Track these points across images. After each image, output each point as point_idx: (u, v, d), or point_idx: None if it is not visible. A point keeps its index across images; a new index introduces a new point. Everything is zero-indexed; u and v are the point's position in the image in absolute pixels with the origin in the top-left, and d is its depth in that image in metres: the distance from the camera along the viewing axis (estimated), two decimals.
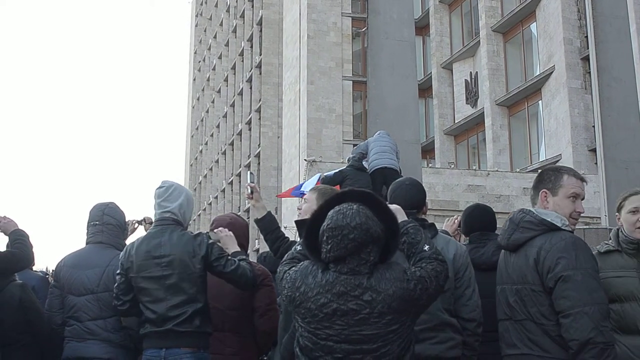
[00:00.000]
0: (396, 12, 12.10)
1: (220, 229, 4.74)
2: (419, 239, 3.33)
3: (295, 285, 3.17)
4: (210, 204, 65.30)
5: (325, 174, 12.80)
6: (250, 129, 54.15)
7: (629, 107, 13.26)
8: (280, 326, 4.16)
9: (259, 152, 50.83)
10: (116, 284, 4.44)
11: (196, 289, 4.30)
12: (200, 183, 71.49)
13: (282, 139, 44.71)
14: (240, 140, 56.53)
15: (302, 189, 14.05)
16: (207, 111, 70.34)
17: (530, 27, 33.22)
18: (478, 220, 4.97)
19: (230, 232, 4.73)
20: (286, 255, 3.46)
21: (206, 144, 70.08)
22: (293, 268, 3.28)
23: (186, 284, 4.27)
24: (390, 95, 11.82)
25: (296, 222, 4.57)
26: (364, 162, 11.16)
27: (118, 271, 4.45)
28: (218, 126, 65.02)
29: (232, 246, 4.67)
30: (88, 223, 4.91)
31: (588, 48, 29.03)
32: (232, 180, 57.89)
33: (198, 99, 76.53)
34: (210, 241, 4.41)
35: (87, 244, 4.91)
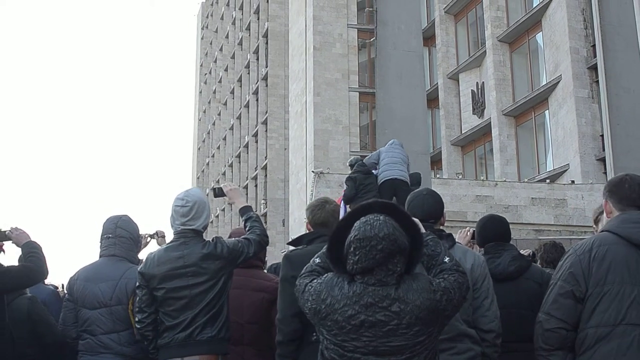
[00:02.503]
0: (404, 22, 12.12)
1: (226, 183, 4.92)
2: (438, 251, 3.33)
3: (321, 298, 3.14)
4: (217, 216, 65.32)
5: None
6: (256, 141, 54.22)
7: (638, 116, 13.20)
8: (282, 304, 4.17)
9: (266, 164, 50.88)
10: (138, 298, 4.44)
11: (219, 297, 4.33)
12: (207, 195, 71.37)
13: (289, 151, 44.74)
14: (247, 153, 56.61)
15: None
16: (214, 124, 70.50)
17: (536, 36, 33.22)
18: (493, 230, 4.95)
19: (236, 185, 4.82)
20: (304, 268, 3.43)
21: (213, 156, 70.21)
22: (316, 280, 3.26)
23: (211, 293, 4.30)
24: (398, 105, 11.82)
25: (290, 243, 4.59)
26: (373, 172, 11.18)
27: (138, 283, 4.45)
28: (225, 138, 65.14)
29: (238, 199, 4.82)
30: (101, 236, 4.90)
31: (595, 57, 29.11)
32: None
33: (204, 112, 76.72)
34: (228, 240, 4.48)
35: (100, 257, 4.90)
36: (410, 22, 12.28)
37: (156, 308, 4.40)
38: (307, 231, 4.48)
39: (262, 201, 50.72)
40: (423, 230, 3.45)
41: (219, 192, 4.92)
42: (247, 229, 4.66)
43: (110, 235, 4.86)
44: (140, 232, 5.24)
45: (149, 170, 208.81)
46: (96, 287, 4.71)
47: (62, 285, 7.84)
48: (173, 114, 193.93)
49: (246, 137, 56.86)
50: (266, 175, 51.18)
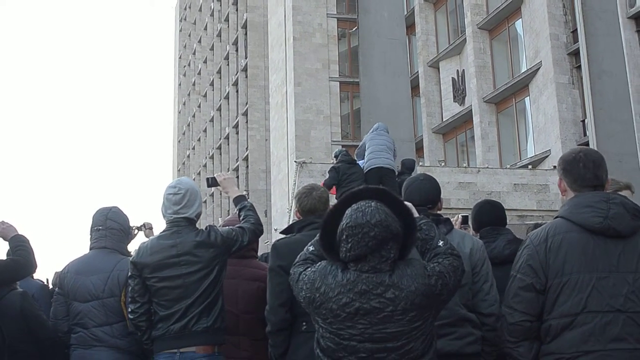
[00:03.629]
0: (387, 10, 12.11)
1: (219, 173, 4.88)
2: (432, 234, 3.30)
3: (315, 286, 3.12)
4: (205, 201, 65.19)
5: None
6: (237, 133, 54.05)
7: (620, 100, 13.30)
8: (270, 294, 4.15)
9: (247, 155, 50.76)
10: (130, 287, 4.38)
11: (213, 286, 4.28)
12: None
13: (270, 142, 44.63)
14: (228, 144, 56.43)
15: None
16: (194, 116, 70.22)
17: (516, 23, 33.24)
18: (488, 215, 4.95)
19: (230, 174, 4.79)
20: (299, 257, 3.40)
21: (193, 148, 69.98)
22: (309, 269, 3.23)
23: (205, 281, 4.25)
24: (382, 93, 11.83)
25: (282, 232, 4.56)
26: (360, 162, 11.13)
27: (130, 273, 4.38)
28: (205, 130, 64.91)
29: (232, 189, 4.80)
30: (91, 228, 4.84)
31: (575, 43, 29.29)
32: None
33: (184, 104, 76.39)
34: (222, 229, 4.44)
35: (90, 249, 4.83)
36: (393, 9, 12.28)
37: (149, 298, 4.33)
38: (297, 219, 4.44)
39: (244, 192, 50.59)
40: (416, 214, 3.42)
41: (212, 182, 4.88)
42: (241, 218, 4.62)
43: (100, 227, 4.79)
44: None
45: (129, 163, 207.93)
46: (88, 279, 4.65)
47: (47, 279, 7.77)
48: (152, 107, 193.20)
49: (227, 128, 56.67)
50: (247, 167, 51.07)
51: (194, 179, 68.58)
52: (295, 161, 27.24)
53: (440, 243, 3.26)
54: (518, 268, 3.53)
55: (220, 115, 59.37)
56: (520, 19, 32.58)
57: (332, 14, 40.48)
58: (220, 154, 58.75)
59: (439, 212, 4.07)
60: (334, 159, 11.68)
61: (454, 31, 37.82)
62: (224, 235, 4.37)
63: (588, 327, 3.33)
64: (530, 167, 28.25)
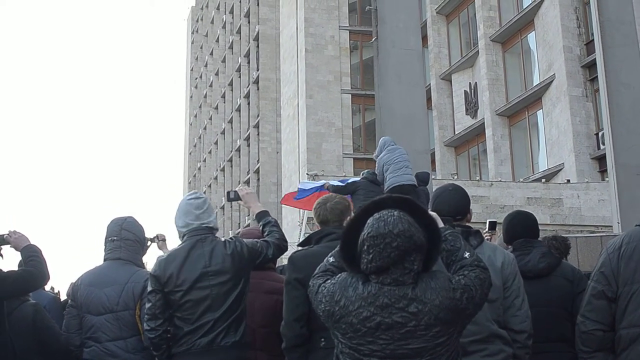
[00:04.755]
0: (402, 20, 12.00)
1: (241, 187, 4.75)
2: (458, 245, 3.14)
3: (335, 299, 2.96)
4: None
5: (330, 182, 12.58)
6: (248, 145, 54.00)
7: (638, 112, 13.13)
8: (285, 308, 4.03)
9: (258, 167, 50.67)
10: (150, 304, 4.21)
11: (240, 299, 4.18)
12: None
13: (281, 154, 44.57)
14: (239, 157, 56.38)
15: (300, 188, 13.83)
16: (205, 128, 70.25)
17: (529, 36, 33.12)
18: (521, 226, 4.78)
19: (251, 189, 4.67)
20: (318, 268, 3.25)
21: (204, 160, 69.96)
22: (329, 281, 3.07)
23: (233, 294, 4.14)
24: (398, 104, 11.70)
25: (300, 244, 4.44)
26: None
27: (151, 288, 4.23)
28: (216, 143, 64.89)
29: (254, 204, 4.67)
30: (106, 239, 4.71)
31: (588, 56, 29.13)
32: None
33: (195, 116, 76.46)
34: (246, 240, 4.32)
35: (104, 260, 4.70)
36: (408, 20, 12.16)
37: (170, 314, 4.19)
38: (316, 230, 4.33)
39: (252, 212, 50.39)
40: (441, 224, 3.27)
41: (234, 196, 4.74)
42: (265, 233, 4.50)
43: (115, 238, 4.66)
44: None
45: (140, 175, 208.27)
46: (101, 292, 4.52)
47: (58, 292, 7.68)
48: (164, 119, 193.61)
49: (238, 141, 56.64)
50: (258, 179, 50.95)
51: (204, 192, 68.61)
52: (307, 174, 27.19)
53: (467, 254, 3.09)
54: (592, 276, 3.46)
55: (232, 128, 59.36)
56: (534, 32, 32.46)
57: (345, 26, 40.46)
58: (232, 167, 58.69)
59: (468, 223, 3.93)
60: (361, 175, 11.43)
61: (467, 44, 37.73)
62: (250, 247, 4.26)
63: None
64: (543, 180, 28.08)
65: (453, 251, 3.12)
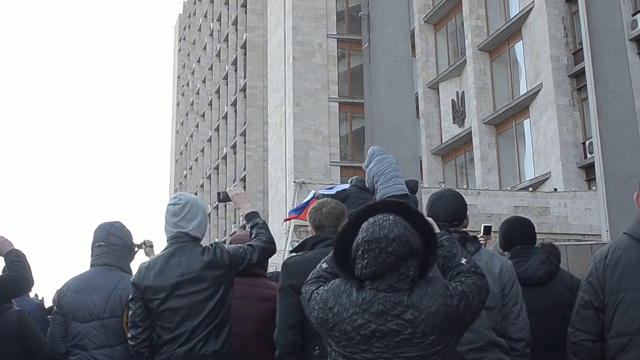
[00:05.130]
0: (392, 27, 11.92)
1: (231, 188, 4.67)
2: (454, 251, 3.06)
3: (328, 306, 2.87)
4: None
5: (320, 191, 12.49)
6: (235, 153, 53.91)
7: (627, 121, 13.10)
8: (279, 315, 3.94)
9: (245, 175, 50.56)
10: (131, 312, 4.13)
11: (220, 307, 4.05)
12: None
13: (268, 162, 44.47)
14: (226, 164, 56.27)
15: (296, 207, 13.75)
16: (192, 135, 70.11)
17: (517, 45, 33.19)
18: (519, 232, 4.72)
19: (242, 190, 4.61)
20: (310, 275, 3.16)
21: (191, 168, 69.79)
22: (322, 287, 2.98)
23: (211, 302, 4.01)
24: (387, 112, 11.60)
25: (293, 250, 4.34)
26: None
27: (131, 296, 4.14)
28: (203, 150, 64.77)
29: (244, 205, 4.55)
30: (92, 244, 4.58)
31: (576, 65, 29.22)
32: (217, 205, 57.50)
33: (182, 124, 76.31)
34: (228, 247, 4.19)
35: (91, 266, 4.57)
36: (398, 27, 12.08)
37: (151, 322, 4.09)
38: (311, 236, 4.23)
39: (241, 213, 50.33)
40: (437, 230, 3.19)
41: (223, 197, 4.66)
42: (252, 235, 4.39)
43: (102, 243, 4.54)
44: None
45: (126, 182, 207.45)
46: (88, 298, 4.40)
47: (42, 298, 7.55)
48: (150, 127, 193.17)
49: (224, 148, 56.54)
50: (245, 187, 50.78)
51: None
52: (294, 181, 27.08)
53: (463, 261, 3.02)
54: (581, 286, 3.44)
55: (218, 135, 59.26)
56: (521, 41, 32.54)
57: (332, 34, 40.45)
58: (218, 174, 58.56)
59: (465, 229, 3.86)
60: (350, 182, 11.34)
61: (454, 52, 37.79)
62: (231, 253, 4.14)
63: None
64: (530, 189, 28.11)
65: (449, 257, 3.05)
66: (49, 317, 5.04)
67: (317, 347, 3.75)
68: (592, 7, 13.35)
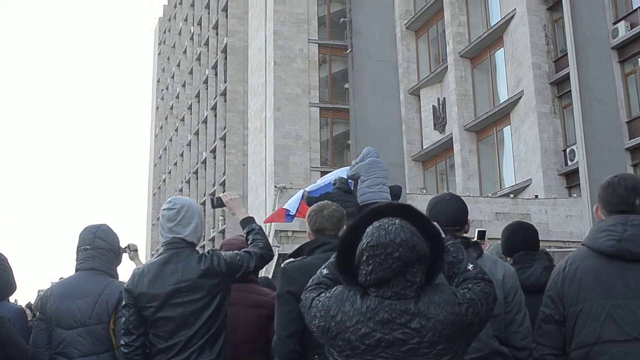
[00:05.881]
0: (378, 32, 11.87)
1: (225, 193, 4.50)
2: (461, 257, 2.93)
3: (330, 314, 2.73)
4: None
5: (307, 189, 12.39)
6: (215, 157, 53.67)
7: (611, 128, 13.12)
8: (278, 323, 3.79)
9: (224, 180, 50.31)
10: (124, 318, 3.97)
11: (216, 316, 3.91)
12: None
13: (248, 167, 44.29)
14: (205, 169, 56.02)
15: (287, 209, 13.61)
16: (171, 140, 69.78)
17: (498, 52, 33.29)
18: (522, 238, 4.62)
19: (236, 195, 4.46)
20: (310, 281, 3.02)
21: (170, 172, 69.45)
22: (323, 294, 2.84)
23: (207, 311, 3.87)
24: (373, 116, 11.54)
25: (290, 254, 4.20)
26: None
27: (124, 302, 3.98)
28: (182, 155, 64.47)
29: (239, 210, 4.40)
30: (78, 247, 4.41)
31: (557, 73, 29.33)
32: None
33: (161, 128, 75.96)
34: (224, 254, 4.05)
35: (76, 270, 4.39)
36: (383, 31, 12.04)
37: (145, 330, 3.94)
38: (309, 240, 4.08)
39: (221, 218, 50.14)
40: (442, 235, 3.07)
41: (217, 203, 4.49)
42: (249, 242, 4.24)
43: (87, 247, 4.37)
44: None
45: (104, 186, 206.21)
46: (73, 304, 4.22)
47: (19, 303, 7.35)
48: (129, 130, 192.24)
49: (204, 153, 56.28)
50: (224, 192, 50.33)
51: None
52: (275, 186, 26.93)
53: (470, 267, 2.89)
54: (543, 299, 3.39)
55: (198, 140, 59.00)
56: (502, 48, 32.64)
57: (314, 39, 40.34)
58: (197, 179, 58.30)
59: (465, 234, 3.74)
60: (333, 184, 11.26)
61: (435, 59, 37.84)
62: (228, 261, 3.99)
63: (605, 359, 3.10)
64: (511, 196, 28.14)
65: (455, 263, 2.92)
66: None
67: (316, 357, 3.62)
68: (577, 14, 13.37)
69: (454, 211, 3.76)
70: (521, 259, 4.46)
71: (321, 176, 38.67)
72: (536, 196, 27.45)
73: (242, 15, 50.86)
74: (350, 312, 2.69)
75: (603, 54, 13.45)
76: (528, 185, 29.72)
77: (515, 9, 31.30)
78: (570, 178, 28.62)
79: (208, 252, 4.02)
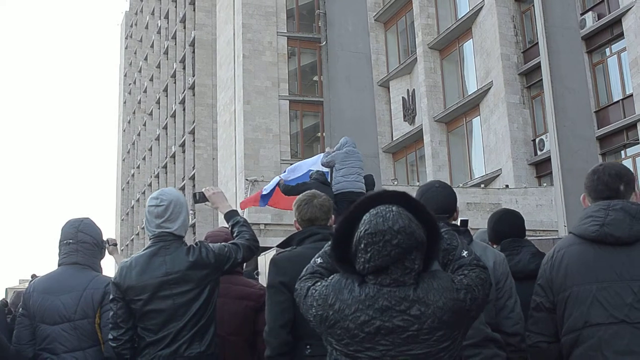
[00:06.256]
0: (351, 23, 11.84)
1: (207, 187, 4.44)
2: (455, 244, 2.92)
3: (328, 303, 2.70)
4: (143, 228, 63.92)
5: (283, 178, 12.38)
6: (184, 151, 53.39)
7: (583, 117, 13.22)
8: (270, 314, 3.76)
9: (194, 174, 50.08)
10: (112, 312, 3.92)
11: (205, 308, 3.87)
12: (132, 207, 70.32)
13: (218, 161, 44.10)
14: (174, 163, 55.71)
15: (263, 193, 13.58)
16: (139, 134, 69.29)
17: (467, 44, 33.49)
18: (509, 225, 4.64)
19: (219, 189, 4.41)
20: (304, 270, 2.98)
21: (138, 167, 68.98)
22: (320, 283, 2.81)
23: (196, 303, 3.84)
24: (347, 108, 11.52)
25: (279, 245, 4.18)
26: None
27: (112, 296, 3.93)
28: (150, 149, 64.04)
29: (222, 204, 4.35)
30: (60, 242, 4.33)
31: (525, 63, 29.56)
32: None
33: (129, 122, 75.39)
34: (212, 246, 4.01)
35: (59, 265, 4.32)
36: (357, 22, 12.00)
37: (134, 323, 3.89)
38: (296, 230, 4.05)
39: (191, 211, 49.90)
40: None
41: (200, 198, 4.43)
42: (235, 234, 4.20)
43: (71, 241, 4.29)
44: None
45: (71, 182, 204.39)
46: (57, 299, 4.15)
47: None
48: (96, 125, 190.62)
49: (173, 147, 55.97)
50: (194, 186, 50.31)
51: (138, 199, 67.65)
52: (247, 179, 26.86)
53: (464, 253, 2.88)
54: (534, 288, 3.44)
55: (167, 134, 58.64)
56: (471, 39, 32.82)
57: (283, 32, 40.22)
58: (166, 173, 57.95)
59: (454, 222, 3.74)
60: (310, 177, 11.26)
61: (404, 51, 37.93)
62: (216, 252, 3.96)
63: (593, 342, 3.15)
64: (482, 186, 28.34)
65: (450, 250, 2.91)
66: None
67: (308, 347, 3.60)
68: (548, 5, 13.46)
69: (443, 198, 3.75)
70: (509, 246, 4.47)
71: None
72: (507, 186, 27.67)
73: (210, 9, 50.59)
74: (349, 300, 2.67)
75: (573, 43, 13.54)
76: (498, 175, 29.96)
77: (483, 0, 31.46)
78: (540, 167, 28.90)
79: (196, 243, 3.99)
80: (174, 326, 3.80)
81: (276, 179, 12.78)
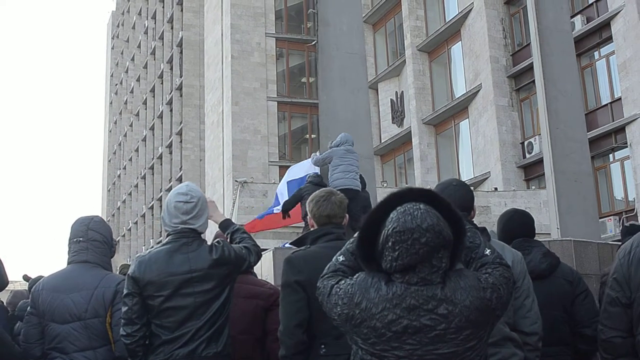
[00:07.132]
0: (346, 23, 11.80)
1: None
2: (477, 242, 2.92)
3: (354, 301, 2.68)
4: (129, 229, 63.84)
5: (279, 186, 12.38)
6: (171, 153, 53.21)
7: (576, 119, 13.25)
8: (285, 313, 3.73)
9: (181, 175, 49.90)
10: (127, 307, 3.85)
11: (223, 308, 3.85)
12: (118, 209, 70.04)
13: (205, 162, 43.99)
14: (161, 164, 55.52)
15: (275, 204, 13.62)
16: (125, 135, 69.01)
17: (455, 46, 33.56)
18: (520, 224, 4.63)
19: (212, 199, 4.44)
20: (327, 268, 2.95)
21: (125, 168, 68.70)
22: (344, 281, 2.79)
23: (217, 302, 3.81)
24: (341, 108, 11.49)
25: (292, 243, 4.16)
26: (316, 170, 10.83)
27: (128, 291, 3.86)
28: (137, 150, 63.78)
29: (215, 213, 4.28)
30: (70, 240, 4.30)
31: (515, 66, 29.67)
32: (152, 205, 56.71)
33: (115, 123, 75.07)
34: (233, 245, 4.02)
35: (69, 263, 4.29)
36: (352, 22, 11.97)
37: (148, 320, 3.84)
38: (311, 228, 4.03)
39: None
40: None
41: None
42: (236, 241, 4.15)
43: (81, 239, 4.26)
44: None
45: (57, 183, 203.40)
46: (67, 298, 4.11)
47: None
48: (82, 126, 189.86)
49: (160, 148, 55.77)
50: None
51: (124, 200, 67.38)
52: (236, 180, 26.80)
53: (487, 252, 2.87)
54: (607, 282, 3.36)
55: (154, 135, 58.43)
56: (460, 42, 32.90)
57: (271, 33, 40.18)
58: (153, 174, 57.74)
59: (472, 220, 3.74)
60: (307, 180, 11.27)
61: (393, 53, 37.98)
62: (237, 252, 3.94)
63: None
64: (471, 188, 28.41)
65: (472, 248, 2.90)
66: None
67: (323, 346, 3.58)
68: (541, 7, 13.48)
69: (461, 196, 3.74)
70: (520, 246, 4.44)
71: (279, 170, 38.83)
72: (495, 189, 27.74)
73: (198, 9, 50.47)
74: (376, 298, 2.65)
75: (566, 46, 13.56)
76: (487, 178, 30.04)
77: (472, 2, 31.57)
78: (528, 170, 29.00)
79: (218, 242, 3.96)
80: (192, 325, 3.76)
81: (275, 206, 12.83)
